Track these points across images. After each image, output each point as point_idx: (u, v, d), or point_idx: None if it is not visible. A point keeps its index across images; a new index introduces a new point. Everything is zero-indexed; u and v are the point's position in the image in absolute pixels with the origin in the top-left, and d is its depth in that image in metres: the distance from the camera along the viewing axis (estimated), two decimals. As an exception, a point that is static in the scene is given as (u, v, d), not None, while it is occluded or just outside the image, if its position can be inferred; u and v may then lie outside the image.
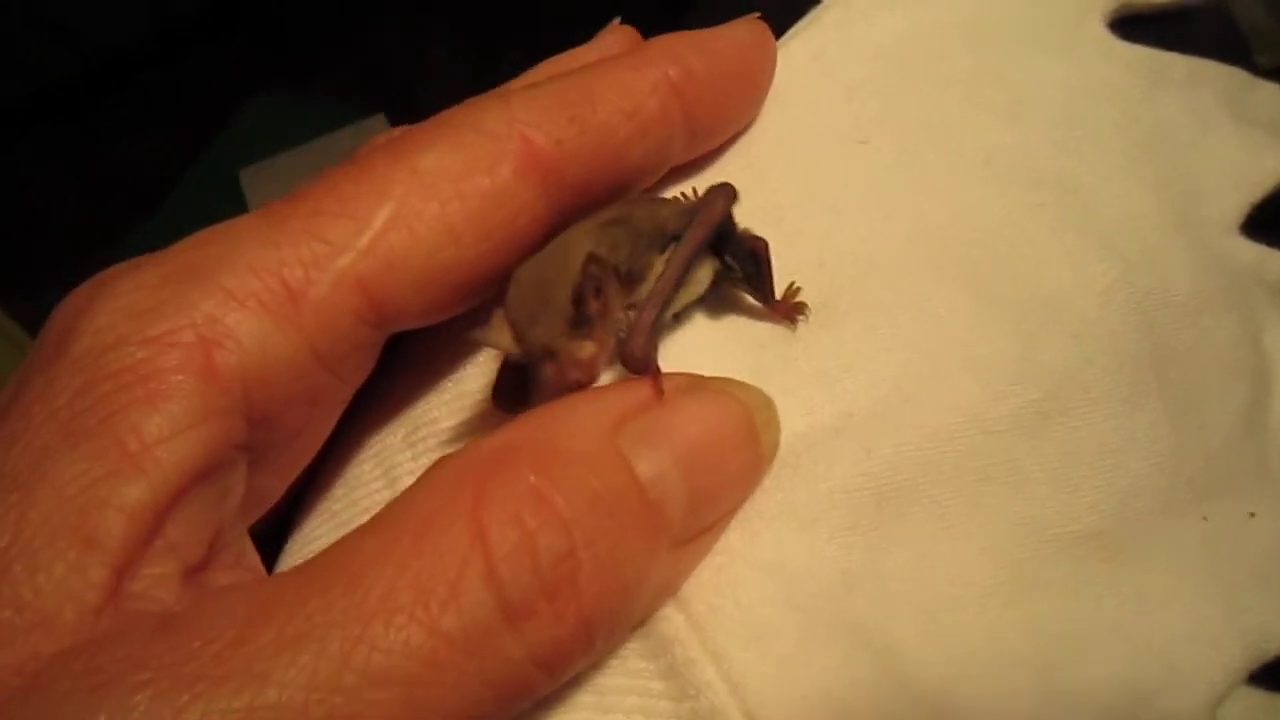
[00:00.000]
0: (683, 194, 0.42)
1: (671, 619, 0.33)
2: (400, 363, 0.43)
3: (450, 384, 0.40)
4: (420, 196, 0.34)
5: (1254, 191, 0.47)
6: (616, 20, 0.45)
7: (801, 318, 0.38)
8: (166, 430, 0.30)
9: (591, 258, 0.34)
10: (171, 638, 0.27)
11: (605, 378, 0.36)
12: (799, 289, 0.39)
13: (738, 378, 0.36)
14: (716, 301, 0.40)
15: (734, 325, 0.39)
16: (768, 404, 0.35)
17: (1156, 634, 0.37)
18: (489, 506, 0.28)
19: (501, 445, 0.30)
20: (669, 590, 0.33)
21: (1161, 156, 0.45)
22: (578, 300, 0.34)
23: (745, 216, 0.40)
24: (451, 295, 0.36)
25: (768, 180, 0.42)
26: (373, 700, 0.26)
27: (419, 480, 0.30)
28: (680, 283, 0.36)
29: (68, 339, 0.31)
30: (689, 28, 0.42)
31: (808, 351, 0.38)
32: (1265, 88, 0.50)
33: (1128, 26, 0.49)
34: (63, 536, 0.28)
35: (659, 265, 0.37)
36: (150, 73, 1.96)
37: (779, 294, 0.39)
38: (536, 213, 0.36)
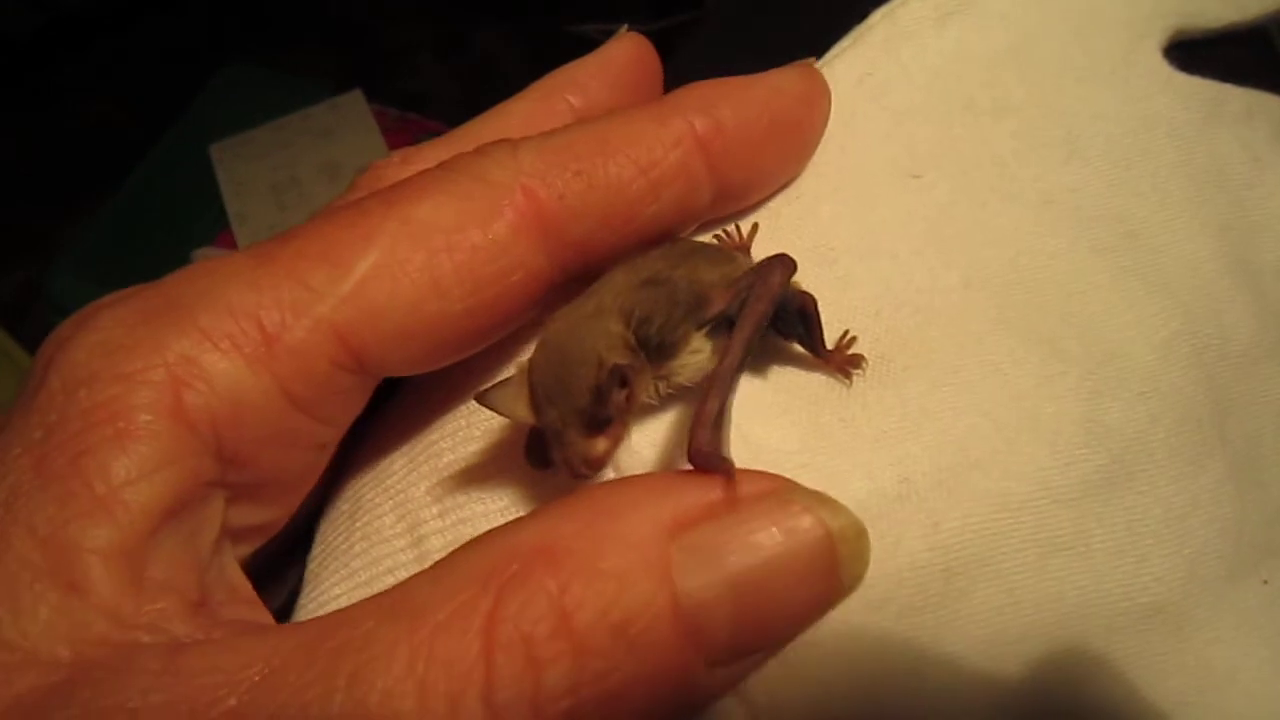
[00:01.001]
0: (724, 232, 0.40)
1: (732, 714, 0.31)
2: (419, 392, 0.41)
3: (480, 432, 0.38)
4: (408, 246, 0.33)
5: None
6: (625, 28, 0.44)
7: (858, 371, 0.36)
8: (133, 472, 0.30)
9: (617, 368, 0.32)
10: (192, 662, 0.27)
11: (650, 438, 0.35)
12: (853, 339, 0.37)
13: (791, 438, 0.34)
14: (764, 351, 0.37)
15: (786, 379, 0.37)
16: (859, 534, 0.31)
17: (1224, 710, 0.36)
18: (503, 622, 0.27)
19: (538, 544, 0.28)
20: (717, 693, 0.31)
21: (1219, 197, 0.43)
22: (597, 400, 0.32)
23: (796, 254, 0.37)
24: (437, 349, 0.35)
25: (818, 216, 0.40)
26: None
27: (449, 563, 0.29)
28: (743, 369, 0.34)
29: (47, 372, 0.31)
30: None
31: (867, 410, 0.36)
32: None
33: (1181, 50, 0.47)
34: (41, 579, 0.28)
35: (695, 341, 0.35)
36: (112, 37, 1.90)
37: (831, 343, 0.37)
38: (534, 268, 0.35)
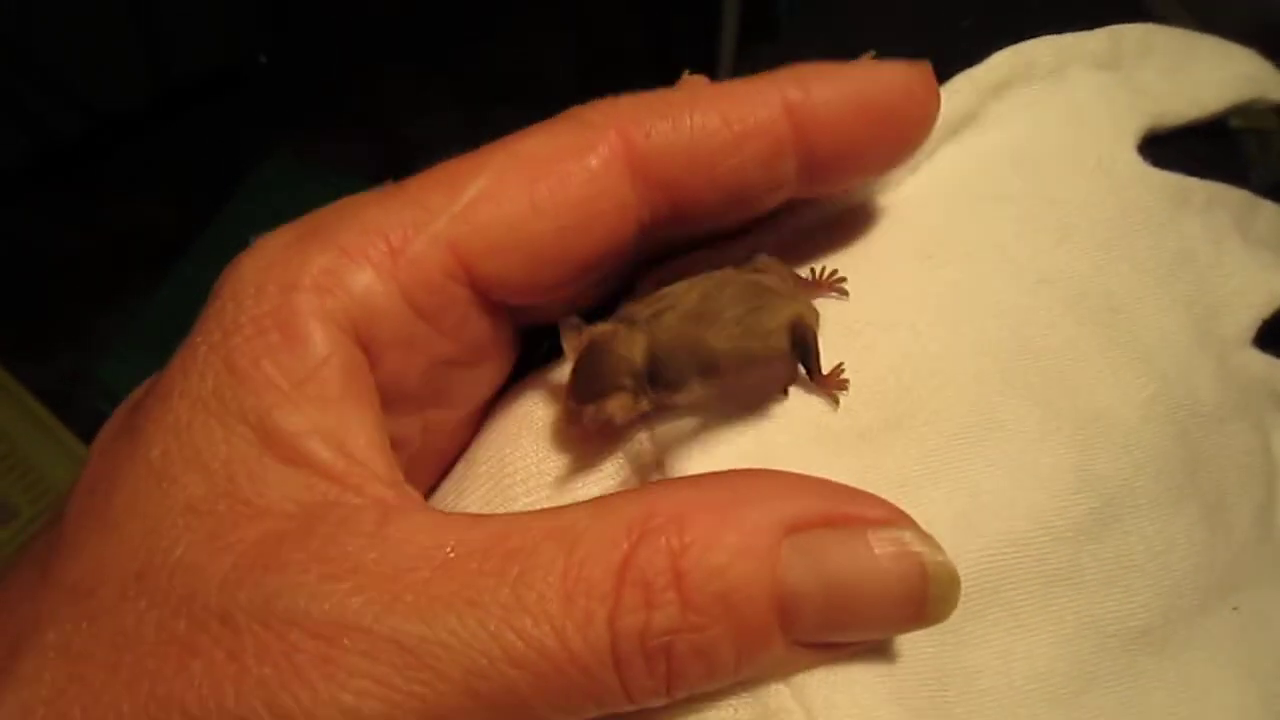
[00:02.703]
0: (812, 270, 0.45)
1: (791, 713, 0.36)
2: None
3: (551, 481, 0.42)
4: (513, 173, 0.39)
5: (1263, 309, 0.52)
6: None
7: (844, 393, 0.42)
8: (307, 369, 0.35)
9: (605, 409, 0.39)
10: (397, 530, 0.33)
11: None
12: (844, 368, 0.42)
13: (825, 477, 0.38)
14: (798, 400, 0.42)
15: (824, 429, 0.42)
16: (952, 581, 0.35)
17: (1203, 718, 0.41)
18: (634, 566, 0.32)
19: (677, 509, 0.33)
20: (783, 670, 0.36)
21: (1187, 277, 0.50)
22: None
23: (824, 326, 0.44)
24: (536, 266, 0.39)
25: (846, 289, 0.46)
26: (504, 676, 0.31)
27: (607, 504, 0.34)
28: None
29: (220, 289, 0.37)
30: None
31: (895, 460, 0.41)
32: (1267, 208, 0.56)
33: (1151, 145, 0.53)
34: (265, 454, 0.34)
35: (697, 388, 0.40)
36: (152, 135, 1.98)
37: (826, 370, 0.42)
38: (621, 197, 0.40)
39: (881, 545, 0.34)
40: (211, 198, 1.86)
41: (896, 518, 0.35)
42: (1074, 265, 0.48)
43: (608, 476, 0.42)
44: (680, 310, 0.41)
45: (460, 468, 0.45)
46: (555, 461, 0.43)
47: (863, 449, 0.42)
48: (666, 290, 0.42)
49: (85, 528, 0.35)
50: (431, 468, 0.46)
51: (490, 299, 0.40)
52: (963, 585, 0.38)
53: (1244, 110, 0.57)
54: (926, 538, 0.35)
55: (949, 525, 0.40)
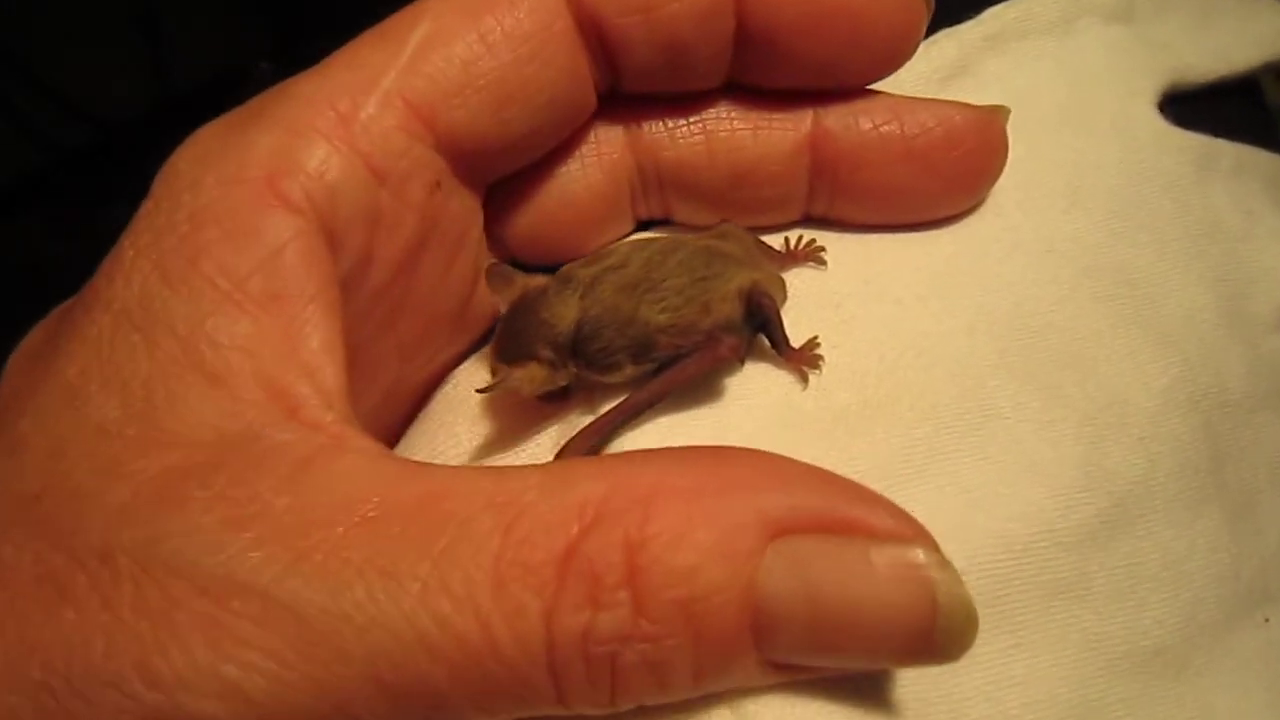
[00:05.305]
0: (786, 239, 0.41)
1: None
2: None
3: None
4: (454, 13, 0.36)
5: None
6: None
7: (815, 371, 0.37)
8: (251, 265, 0.31)
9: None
10: (317, 477, 0.29)
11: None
12: (819, 343, 0.38)
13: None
14: (767, 378, 0.38)
15: (792, 414, 0.37)
16: (967, 618, 0.28)
17: None
18: (581, 555, 0.27)
19: (643, 490, 0.28)
20: (748, 685, 0.30)
21: (1214, 249, 0.45)
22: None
23: (799, 298, 0.40)
24: (498, 104, 0.36)
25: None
26: (416, 665, 0.26)
27: (561, 474, 0.29)
28: (648, 409, 0.36)
29: (155, 186, 0.34)
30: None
31: (874, 448, 0.36)
32: None
33: (1174, 104, 0.49)
34: (189, 373, 0.30)
35: (629, 370, 0.37)
36: (155, 144, 1.96)
37: (797, 343, 0.37)
38: (568, 25, 0.37)
39: (887, 563, 0.28)
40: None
41: (909, 531, 0.29)
42: (1085, 233, 0.42)
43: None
44: (619, 279, 0.37)
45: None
46: (488, 448, 0.39)
47: (837, 434, 0.36)
48: (613, 248, 0.38)
49: None
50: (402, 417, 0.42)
51: (460, 157, 0.37)
52: None
53: (1274, 69, 0.52)
54: (944, 562, 0.28)
55: (935, 527, 0.34)
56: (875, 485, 0.35)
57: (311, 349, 0.32)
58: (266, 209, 0.32)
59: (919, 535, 0.29)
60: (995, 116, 0.41)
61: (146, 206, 0.33)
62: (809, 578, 0.27)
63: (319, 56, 0.36)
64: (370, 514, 0.27)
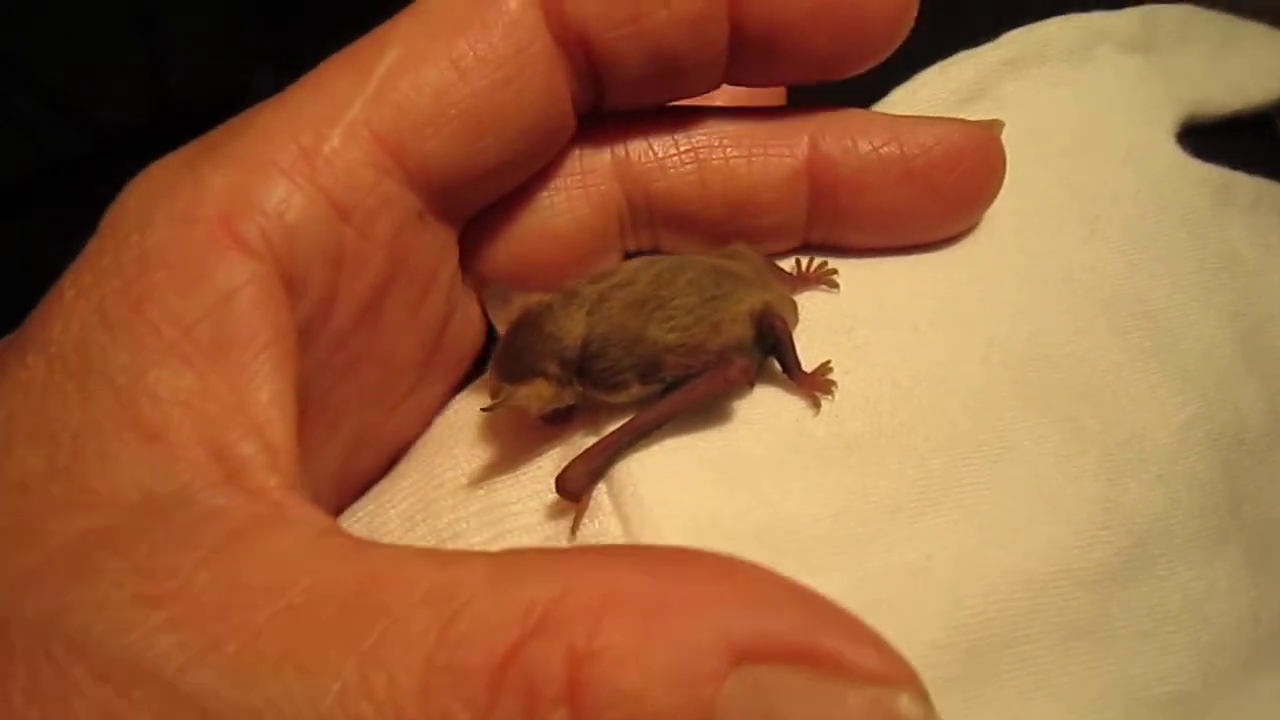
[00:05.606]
0: (798, 261, 0.40)
1: None
2: (419, 454, 0.40)
3: (483, 491, 0.37)
4: (425, 37, 0.34)
5: None
6: None
7: (828, 397, 0.36)
8: (198, 311, 0.29)
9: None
10: (244, 556, 0.26)
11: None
12: (832, 368, 0.36)
13: (811, 503, 0.33)
14: (777, 402, 0.37)
15: (804, 440, 0.36)
16: None
17: None
18: (519, 664, 0.24)
19: (596, 597, 0.24)
20: None
21: (1231, 283, 0.44)
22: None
23: (810, 322, 0.38)
24: (472, 134, 0.34)
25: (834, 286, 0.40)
26: None
27: (510, 570, 0.26)
28: (655, 430, 0.35)
29: (101, 225, 0.32)
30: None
31: (888, 480, 0.35)
32: None
33: (1192, 136, 0.48)
34: (125, 429, 0.28)
35: (636, 389, 0.35)
36: (155, 150, 1.94)
37: (809, 367, 0.36)
38: (546, 46, 0.35)
39: (865, 707, 0.23)
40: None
41: (895, 673, 0.24)
42: (1104, 264, 0.41)
43: (546, 490, 0.35)
44: (626, 296, 0.35)
45: (384, 482, 0.39)
46: (489, 470, 0.37)
47: (850, 463, 0.35)
48: (618, 265, 0.37)
49: None
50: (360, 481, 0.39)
51: (432, 191, 0.35)
52: (969, 637, 0.32)
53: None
54: (931, 713, 0.24)
55: (951, 562, 0.33)
56: (889, 517, 0.34)
57: (260, 403, 0.29)
58: (219, 251, 0.30)
59: (906, 678, 0.24)
60: (993, 132, 0.40)
61: (92, 245, 0.31)
62: (774, 714, 0.23)
63: (320, 59, 0.35)
64: (297, 600, 0.25)
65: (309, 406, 0.32)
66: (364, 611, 0.24)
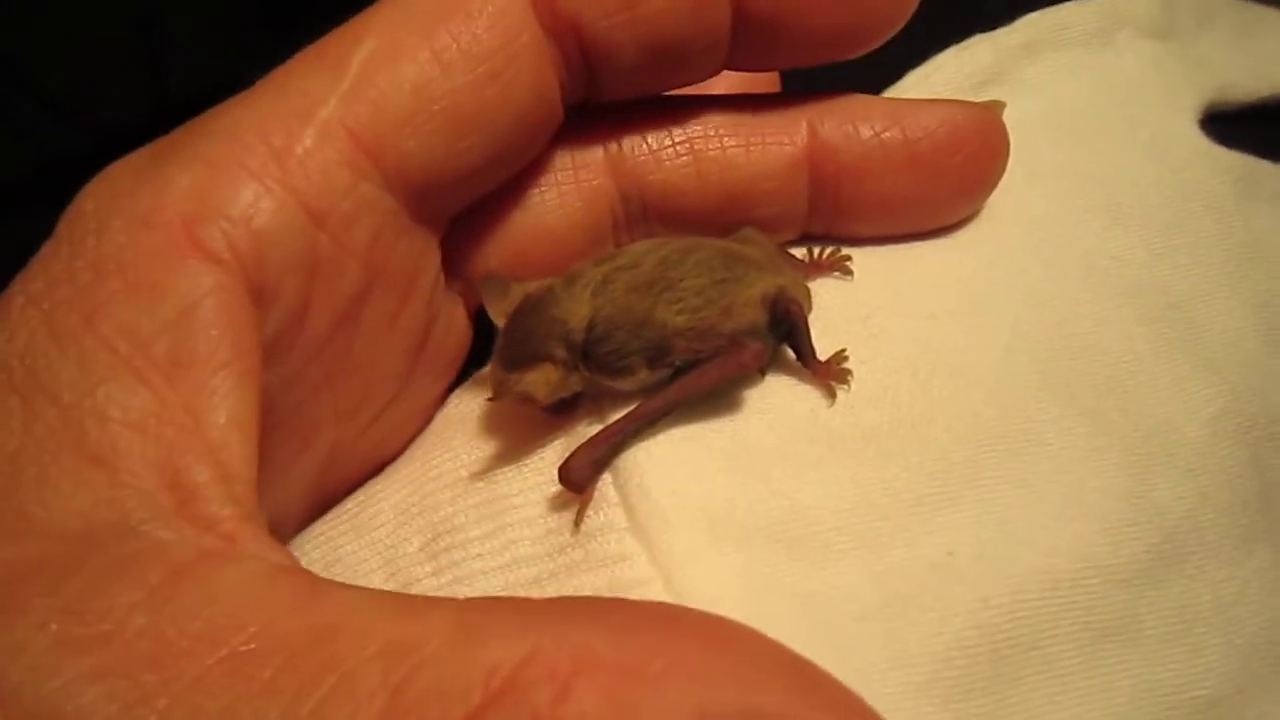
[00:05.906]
0: (809, 250, 0.39)
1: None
2: (414, 449, 0.38)
3: (482, 484, 0.35)
4: (406, 27, 0.32)
5: None
6: None
7: (844, 386, 0.35)
8: (155, 325, 0.27)
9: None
10: (188, 597, 0.24)
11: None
12: (847, 356, 0.35)
13: (828, 495, 0.32)
14: (790, 391, 0.35)
15: (819, 429, 0.34)
16: None
17: None
18: None
19: (560, 662, 0.22)
20: None
21: (1256, 273, 0.42)
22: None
23: (823, 309, 0.37)
24: (455, 133, 0.32)
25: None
26: None
27: (475, 627, 0.23)
28: (663, 417, 0.34)
29: (57, 227, 0.29)
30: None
31: (908, 472, 0.33)
32: None
33: (1216, 123, 0.47)
34: (67, 450, 0.26)
35: (642, 375, 0.34)
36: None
37: (824, 355, 0.35)
38: (535, 37, 0.33)
39: None
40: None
41: None
42: (1128, 252, 0.40)
43: (548, 482, 0.34)
44: (632, 278, 0.34)
45: (380, 476, 0.37)
46: (489, 462, 0.35)
47: (867, 454, 0.34)
48: (626, 248, 0.35)
49: None
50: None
51: (411, 193, 0.32)
52: (995, 637, 0.31)
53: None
54: None
55: (972, 559, 0.32)
56: (908, 510, 0.32)
57: (217, 425, 0.27)
58: (179, 259, 0.28)
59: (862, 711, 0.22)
60: (995, 113, 0.38)
61: (46, 248, 0.29)
62: None
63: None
64: (241, 648, 0.23)
65: (281, 422, 0.31)
66: (314, 664, 0.22)
